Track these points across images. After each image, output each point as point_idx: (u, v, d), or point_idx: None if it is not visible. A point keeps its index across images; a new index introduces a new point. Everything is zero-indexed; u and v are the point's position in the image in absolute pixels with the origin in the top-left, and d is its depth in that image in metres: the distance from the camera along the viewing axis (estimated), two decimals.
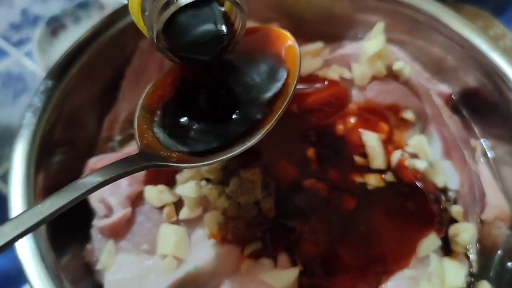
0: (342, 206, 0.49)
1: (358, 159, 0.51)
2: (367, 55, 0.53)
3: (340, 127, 0.52)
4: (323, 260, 0.47)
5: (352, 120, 0.53)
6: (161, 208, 0.50)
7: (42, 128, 0.52)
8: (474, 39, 0.57)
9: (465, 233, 0.51)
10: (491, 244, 0.53)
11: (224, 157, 0.38)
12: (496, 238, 0.53)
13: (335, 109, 0.53)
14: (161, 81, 0.45)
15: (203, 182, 0.50)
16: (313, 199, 0.49)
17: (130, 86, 0.60)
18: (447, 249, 0.51)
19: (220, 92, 0.42)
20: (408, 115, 0.55)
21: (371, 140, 0.51)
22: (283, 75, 0.41)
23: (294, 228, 0.48)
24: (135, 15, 0.39)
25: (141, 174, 0.52)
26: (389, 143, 0.53)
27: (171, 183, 0.52)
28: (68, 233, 0.50)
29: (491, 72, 0.56)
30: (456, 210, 0.52)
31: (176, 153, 0.39)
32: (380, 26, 0.55)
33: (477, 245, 0.53)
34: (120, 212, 0.50)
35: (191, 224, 0.50)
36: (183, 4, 0.35)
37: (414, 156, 0.53)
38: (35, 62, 0.75)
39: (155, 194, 0.50)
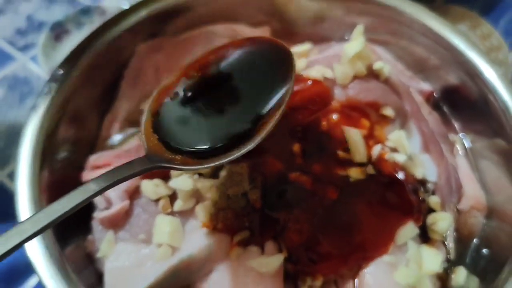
0: (325, 197, 0.52)
1: (341, 153, 0.54)
2: (347, 56, 0.55)
3: (324, 124, 0.55)
4: (307, 248, 0.50)
5: (335, 117, 0.55)
6: (157, 200, 0.53)
7: (46, 128, 0.55)
8: (454, 39, 0.60)
9: (442, 222, 0.53)
10: (467, 233, 0.56)
11: (224, 160, 0.42)
12: (473, 226, 0.56)
13: (319, 106, 0.56)
14: (165, 87, 0.47)
15: (196, 176, 0.53)
16: (298, 191, 0.52)
17: (128, 87, 0.63)
18: (425, 237, 0.54)
19: (221, 99, 0.45)
20: (388, 111, 0.57)
21: (353, 135, 0.54)
22: (281, 86, 0.44)
23: (279, 218, 0.51)
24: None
25: None
26: (370, 138, 0.56)
27: (166, 177, 0.54)
28: (71, 225, 0.52)
29: (470, 71, 0.59)
30: (434, 200, 0.55)
31: (180, 156, 0.42)
32: (359, 29, 0.58)
33: (455, 233, 0.56)
34: (119, 205, 0.53)
35: (184, 215, 0.53)
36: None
37: (394, 150, 0.56)
38: (40, 66, 0.78)
39: (151, 187, 0.53)
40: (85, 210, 0.55)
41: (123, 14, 0.62)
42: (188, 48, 0.64)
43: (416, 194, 0.54)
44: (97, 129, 0.63)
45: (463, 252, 0.55)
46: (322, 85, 0.56)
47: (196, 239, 0.50)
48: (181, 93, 0.47)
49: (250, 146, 0.42)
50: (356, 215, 0.52)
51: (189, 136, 0.44)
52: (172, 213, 0.53)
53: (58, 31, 0.81)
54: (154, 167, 0.41)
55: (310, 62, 0.60)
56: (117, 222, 0.53)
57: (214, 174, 0.53)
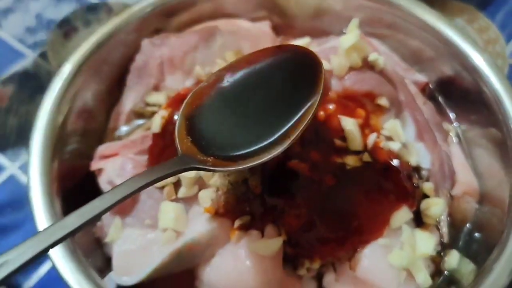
0: (323, 183, 0.53)
1: (337, 142, 0.56)
2: (343, 48, 0.57)
3: (321, 114, 0.57)
4: (305, 232, 0.52)
5: (332, 107, 0.57)
6: (162, 188, 0.55)
7: (56, 121, 0.57)
8: (448, 32, 0.62)
9: (435, 207, 0.55)
10: (461, 218, 0.58)
11: (254, 163, 0.44)
12: (466, 212, 0.58)
13: None
14: (198, 92, 0.49)
15: None
16: (296, 178, 0.53)
17: (134, 80, 0.66)
18: (419, 221, 0.56)
19: (252, 105, 0.47)
20: (383, 101, 0.59)
21: (349, 124, 0.56)
22: (311, 93, 0.46)
23: (278, 203, 0.53)
24: None
25: (144, 159, 0.58)
26: (366, 127, 0.57)
27: None
28: None
29: (464, 63, 0.61)
30: (427, 186, 0.57)
31: (211, 157, 0.44)
32: (355, 22, 0.60)
33: (448, 218, 0.58)
34: None
35: (188, 201, 0.55)
36: None
37: (389, 138, 0.58)
38: (49, 63, 0.80)
39: None
40: (94, 197, 0.58)
41: (128, 11, 0.65)
42: (191, 43, 0.66)
43: (410, 180, 0.56)
44: (105, 121, 0.66)
45: (456, 236, 0.57)
46: None
47: (199, 224, 0.52)
48: (214, 98, 0.48)
49: (280, 149, 0.44)
50: (352, 201, 0.53)
51: (221, 139, 0.46)
52: (176, 200, 0.55)
53: (67, 28, 0.83)
54: (188, 168, 0.43)
55: None
56: (124, 209, 0.55)
57: None
